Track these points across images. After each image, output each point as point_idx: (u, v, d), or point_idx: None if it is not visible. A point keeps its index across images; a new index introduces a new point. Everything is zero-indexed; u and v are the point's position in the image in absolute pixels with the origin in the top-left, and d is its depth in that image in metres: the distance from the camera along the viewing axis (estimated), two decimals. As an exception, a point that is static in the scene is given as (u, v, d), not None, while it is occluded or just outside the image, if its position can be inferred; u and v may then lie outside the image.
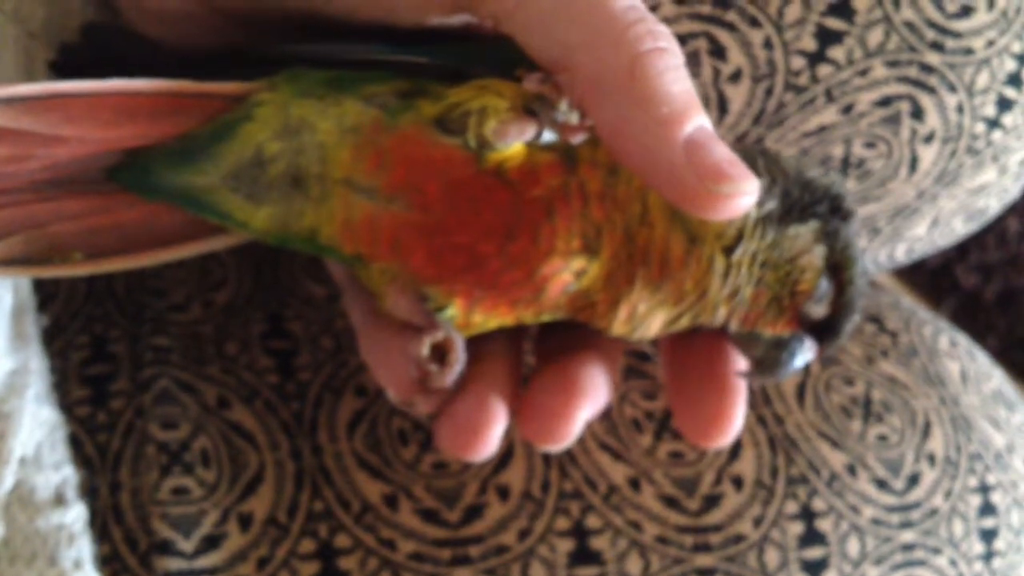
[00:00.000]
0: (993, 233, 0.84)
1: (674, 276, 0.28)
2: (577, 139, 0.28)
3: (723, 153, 0.25)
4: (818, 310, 0.29)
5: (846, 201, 0.30)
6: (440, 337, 0.28)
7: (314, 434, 0.38)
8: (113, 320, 0.39)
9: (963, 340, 0.45)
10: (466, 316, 0.29)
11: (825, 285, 0.29)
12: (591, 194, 0.28)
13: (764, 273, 0.29)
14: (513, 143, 0.28)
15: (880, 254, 0.44)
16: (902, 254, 0.45)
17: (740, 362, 0.30)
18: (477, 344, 0.29)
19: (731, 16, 0.37)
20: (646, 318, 0.29)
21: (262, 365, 0.39)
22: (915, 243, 0.44)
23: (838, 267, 0.29)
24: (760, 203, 0.28)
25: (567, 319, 0.30)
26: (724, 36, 0.37)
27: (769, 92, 0.38)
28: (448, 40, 0.30)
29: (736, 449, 0.39)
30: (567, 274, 0.28)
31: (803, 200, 0.29)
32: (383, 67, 0.30)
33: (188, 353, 0.39)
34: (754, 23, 0.37)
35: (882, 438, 0.40)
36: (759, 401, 0.40)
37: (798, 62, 0.37)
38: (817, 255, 0.29)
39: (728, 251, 0.28)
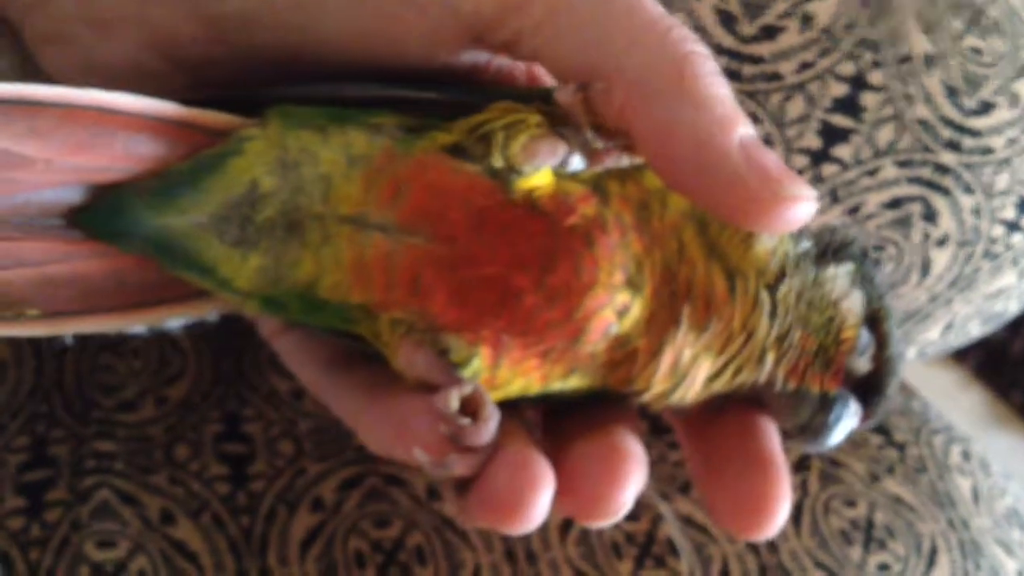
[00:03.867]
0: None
1: (721, 314, 0.26)
2: (607, 164, 0.26)
3: (777, 159, 0.24)
4: (862, 364, 0.27)
5: (870, 250, 0.27)
6: (468, 391, 0.25)
7: (263, 554, 0.35)
8: (57, 418, 0.37)
9: (976, 451, 0.42)
10: (491, 370, 0.26)
11: (867, 336, 0.27)
12: (628, 226, 0.26)
13: (810, 315, 0.27)
14: (542, 165, 0.26)
15: None
16: (912, 356, 0.42)
17: (776, 435, 0.27)
18: None
19: None
20: (690, 368, 0.26)
21: (213, 473, 0.36)
22: (927, 346, 0.41)
23: (876, 318, 0.27)
24: (795, 240, 0.27)
25: (596, 388, 0.27)
26: None
27: None
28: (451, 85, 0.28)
29: (723, 578, 0.36)
30: (610, 311, 0.25)
31: (835, 242, 0.27)
32: (383, 105, 0.27)
33: (134, 460, 0.36)
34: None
35: (884, 567, 0.37)
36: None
37: (800, 161, 0.35)
38: (856, 300, 0.27)
39: (771, 289, 0.26)
